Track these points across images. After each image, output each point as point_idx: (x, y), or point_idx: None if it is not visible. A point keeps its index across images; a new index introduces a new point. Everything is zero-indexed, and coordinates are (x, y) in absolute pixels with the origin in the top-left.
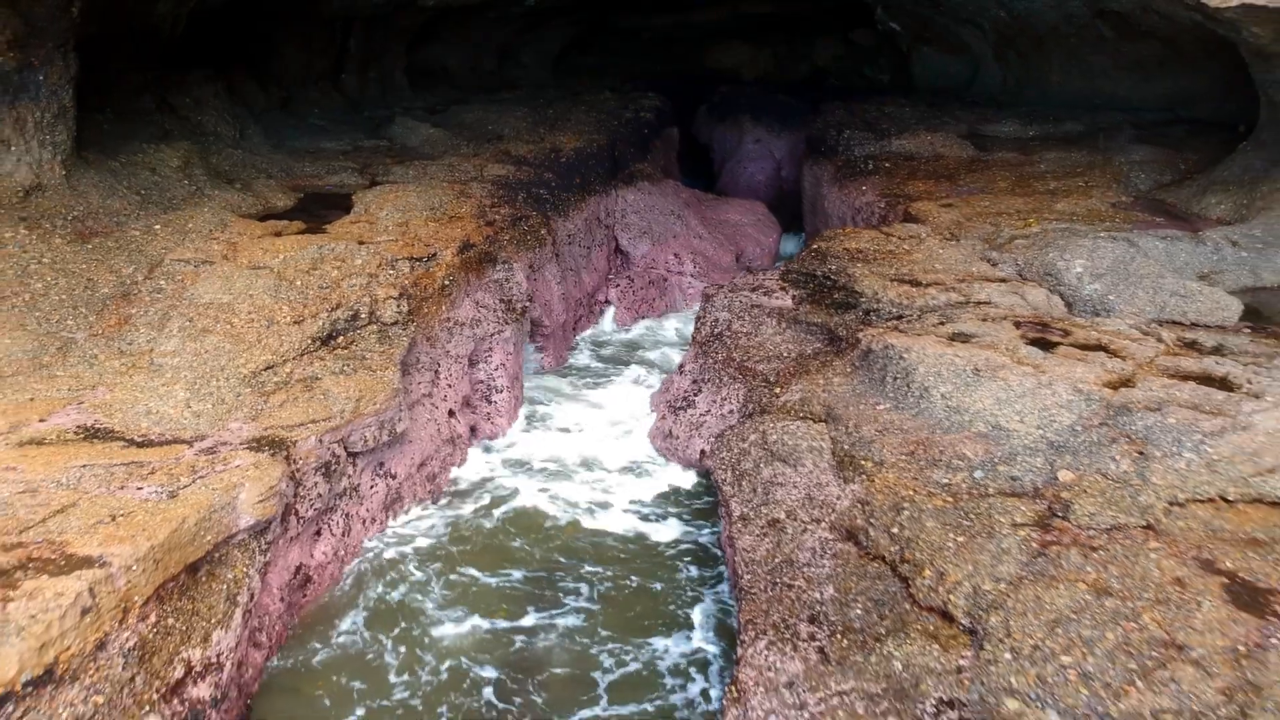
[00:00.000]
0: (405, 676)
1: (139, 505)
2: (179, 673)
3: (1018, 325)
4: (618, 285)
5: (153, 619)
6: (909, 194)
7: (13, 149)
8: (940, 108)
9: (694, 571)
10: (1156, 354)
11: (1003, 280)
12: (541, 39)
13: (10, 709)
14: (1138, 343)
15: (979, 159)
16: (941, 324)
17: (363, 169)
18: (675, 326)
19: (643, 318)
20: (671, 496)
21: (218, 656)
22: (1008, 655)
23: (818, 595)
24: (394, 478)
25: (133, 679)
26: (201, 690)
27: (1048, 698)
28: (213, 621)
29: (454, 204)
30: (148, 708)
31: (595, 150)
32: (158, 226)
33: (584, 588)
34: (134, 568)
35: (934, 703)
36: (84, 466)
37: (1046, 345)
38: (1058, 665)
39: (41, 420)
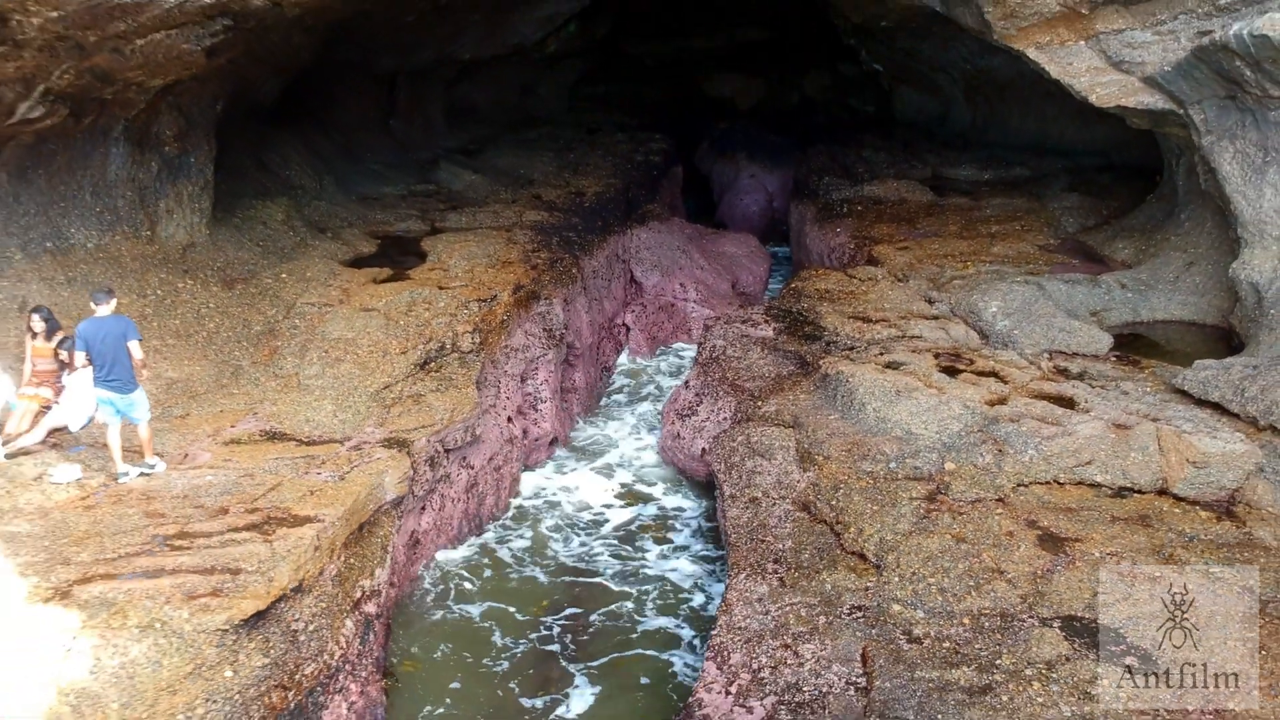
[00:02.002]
0: (496, 593)
1: (324, 484)
2: (358, 594)
3: (936, 356)
4: (633, 311)
5: (344, 558)
6: (874, 236)
7: (174, 216)
8: (912, 149)
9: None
10: (1031, 379)
11: (935, 318)
12: (558, 74)
13: (282, 605)
14: (1022, 370)
15: (936, 204)
16: (881, 354)
17: (423, 214)
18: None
19: (655, 338)
20: (673, 484)
21: (378, 586)
22: (896, 578)
23: (780, 546)
24: (472, 468)
25: (336, 595)
26: (370, 607)
27: (918, 602)
28: (374, 562)
29: (504, 250)
30: (344, 615)
31: (613, 195)
32: (284, 275)
33: (615, 545)
34: (336, 523)
35: (849, 607)
36: (276, 459)
37: (954, 372)
38: (926, 584)
39: (232, 426)
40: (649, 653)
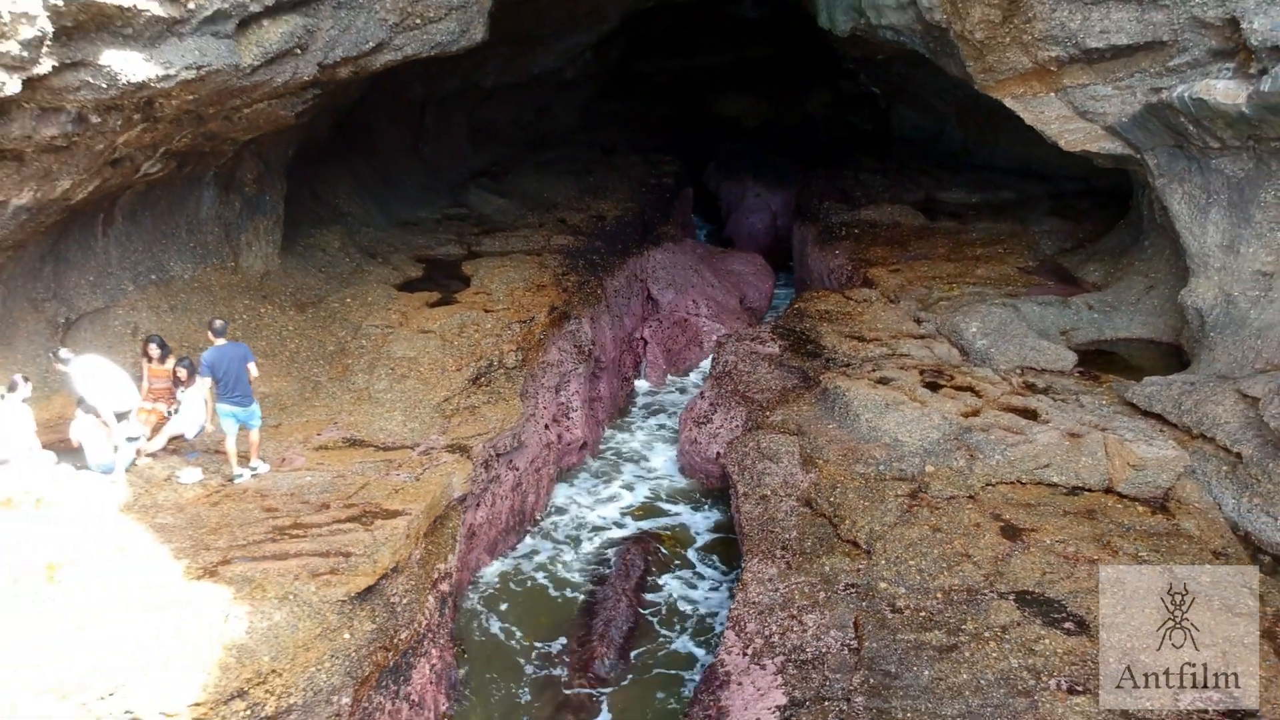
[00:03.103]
0: (520, 609)
1: (404, 484)
2: (436, 575)
3: (921, 372)
4: (651, 326)
5: (425, 545)
6: (869, 259)
7: (253, 248)
8: (907, 172)
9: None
10: (1002, 393)
11: (922, 337)
12: (572, 94)
13: (384, 582)
14: (995, 385)
15: (927, 227)
16: (873, 371)
17: (459, 238)
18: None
19: (671, 351)
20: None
21: (450, 569)
22: (883, 561)
23: (787, 536)
24: (517, 469)
25: (421, 575)
26: (445, 586)
27: (900, 580)
28: (446, 549)
29: (538, 274)
30: (427, 591)
31: (630, 218)
32: (348, 299)
33: (631, 558)
34: (421, 515)
35: (844, 585)
36: (360, 462)
37: (936, 387)
38: (907, 565)
39: (319, 434)
40: (666, 671)
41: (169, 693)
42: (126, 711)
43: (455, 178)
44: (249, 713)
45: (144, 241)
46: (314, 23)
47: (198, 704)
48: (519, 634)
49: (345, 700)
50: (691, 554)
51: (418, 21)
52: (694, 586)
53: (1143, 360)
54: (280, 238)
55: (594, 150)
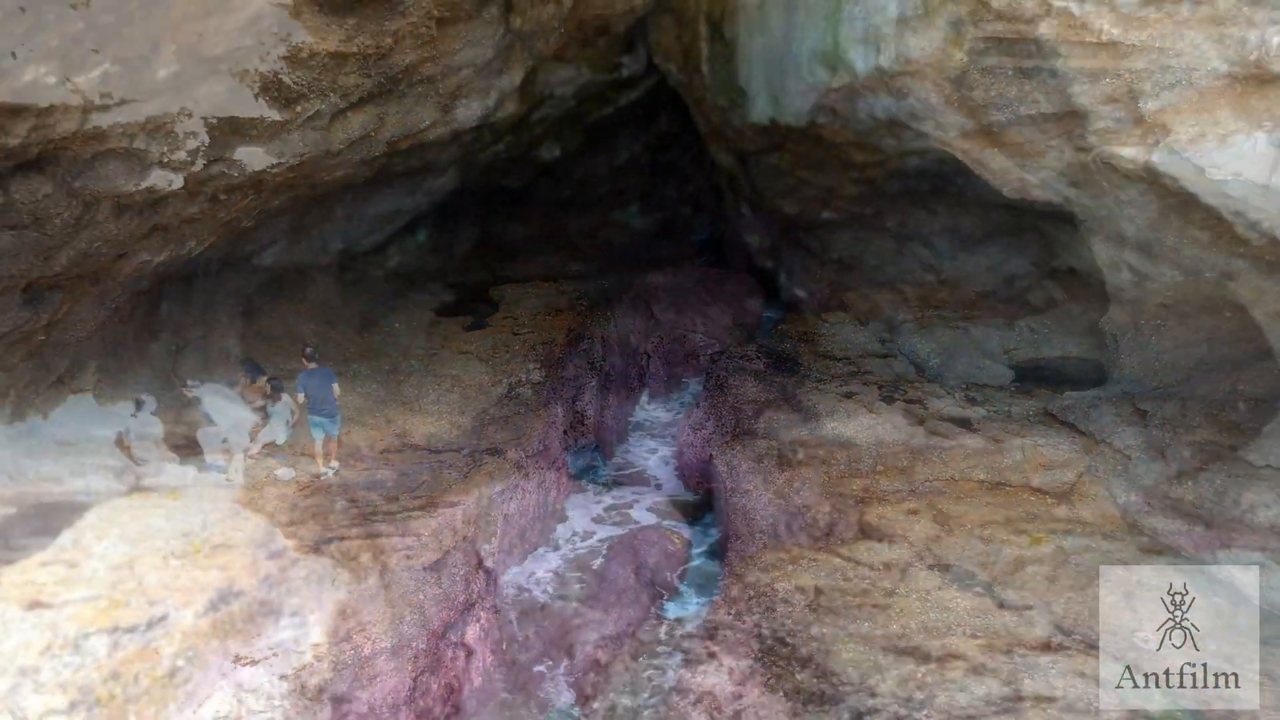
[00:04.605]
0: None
1: (455, 481)
2: (483, 554)
3: (880, 388)
4: (653, 341)
5: (472, 529)
6: (845, 284)
7: (316, 281)
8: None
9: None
10: (945, 405)
11: (884, 356)
12: (580, 117)
13: (446, 557)
14: (940, 398)
15: (899, 251)
16: (841, 386)
17: (484, 264)
18: None
19: (670, 364)
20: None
21: (493, 550)
22: (838, 542)
23: (764, 522)
24: (542, 469)
25: (472, 553)
26: (489, 564)
27: (851, 555)
28: (490, 533)
29: (557, 299)
30: (476, 567)
31: (635, 242)
32: (397, 324)
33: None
34: (470, 506)
35: (807, 560)
36: (419, 462)
37: (891, 400)
38: (857, 545)
39: (382, 440)
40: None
41: (298, 635)
42: (269, 647)
43: (476, 204)
44: (354, 652)
45: (232, 279)
46: (385, 111)
47: (317, 644)
48: (534, 631)
49: (421, 646)
50: (693, 562)
51: (462, 102)
52: (687, 606)
53: (1074, 375)
54: (337, 270)
55: (602, 171)
